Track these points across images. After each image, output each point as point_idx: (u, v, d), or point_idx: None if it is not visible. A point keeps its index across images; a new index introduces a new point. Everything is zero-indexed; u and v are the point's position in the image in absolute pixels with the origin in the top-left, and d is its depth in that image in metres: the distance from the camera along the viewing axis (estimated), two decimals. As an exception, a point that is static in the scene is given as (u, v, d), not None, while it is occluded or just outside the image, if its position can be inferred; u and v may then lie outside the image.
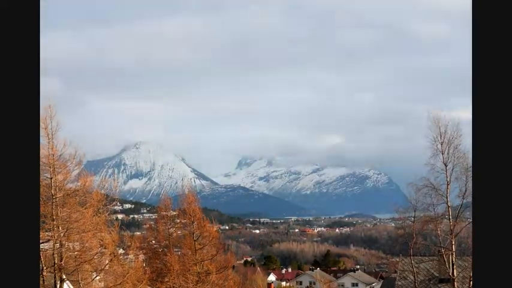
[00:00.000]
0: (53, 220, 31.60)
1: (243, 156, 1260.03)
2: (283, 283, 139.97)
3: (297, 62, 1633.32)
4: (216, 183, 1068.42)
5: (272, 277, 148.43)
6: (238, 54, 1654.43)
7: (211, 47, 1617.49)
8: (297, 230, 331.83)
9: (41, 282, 30.81)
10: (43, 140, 31.74)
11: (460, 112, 39.47)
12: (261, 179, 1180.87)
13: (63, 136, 32.77)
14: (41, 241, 30.41)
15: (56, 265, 32.00)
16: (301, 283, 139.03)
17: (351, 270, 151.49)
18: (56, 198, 32.15)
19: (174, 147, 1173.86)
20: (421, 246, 45.13)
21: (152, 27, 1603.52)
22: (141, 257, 57.81)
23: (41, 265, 30.65)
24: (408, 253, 45.40)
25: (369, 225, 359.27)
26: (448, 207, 39.10)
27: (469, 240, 37.36)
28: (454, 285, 39.46)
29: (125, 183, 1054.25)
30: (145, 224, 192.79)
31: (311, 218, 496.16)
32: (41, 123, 31.23)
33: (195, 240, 49.03)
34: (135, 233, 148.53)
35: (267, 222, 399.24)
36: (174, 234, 52.45)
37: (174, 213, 55.01)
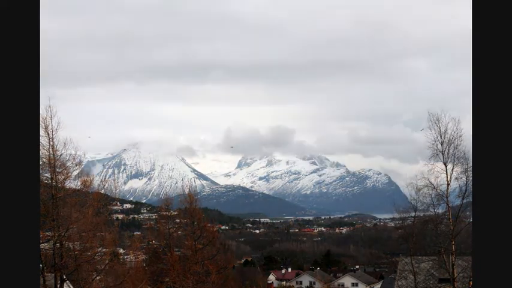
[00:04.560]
0: (53, 220, 31.58)
1: (243, 156, 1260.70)
2: (283, 283, 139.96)
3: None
4: (216, 183, 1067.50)
5: (272, 277, 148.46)
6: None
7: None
8: (297, 230, 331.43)
9: (41, 282, 30.81)
10: (43, 140, 31.79)
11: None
12: (261, 179, 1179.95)
13: (63, 136, 32.86)
14: (41, 241, 30.40)
15: (56, 265, 31.99)
16: (301, 283, 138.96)
17: (351, 270, 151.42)
18: (56, 198, 32.15)
19: (174, 147, 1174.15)
20: (421, 246, 45.13)
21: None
22: (142, 257, 57.85)
23: (41, 265, 30.65)
24: (408, 253, 45.40)
25: (369, 225, 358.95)
26: (448, 207, 39.08)
27: (469, 240, 37.35)
28: (454, 285, 39.45)
29: (125, 183, 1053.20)
30: (145, 224, 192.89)
31: (311, 218, 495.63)
32: (41, 123, 31.28)
33: (195, 240, 49.08)
34: (135, 233, 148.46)
35: (267, 222, 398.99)
36: (174, 234, 52.51)
37: (175, 213, 55.09)
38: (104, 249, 36.21)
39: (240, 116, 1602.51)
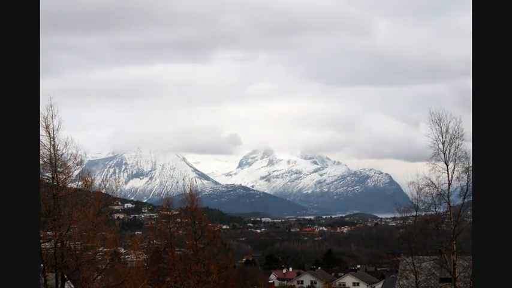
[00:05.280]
0: (54, 220, 31.58)
1: (244, 156, 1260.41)
2: (285, 282, 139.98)
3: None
4: (217, 183, 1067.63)
5: (273, 277, 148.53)
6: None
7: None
8: (298, 230, 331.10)
9: (42, 281, 30.83)
10: (44, 140, 31.80)
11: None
12: (262, 178, 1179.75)
13: (64, 135, 32.87)
14: (42, 240, 30.41)
15: (57, 264, 31.99)
16: (302, 282, 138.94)
17: (352, 270, 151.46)
18: (57, 197, 32.16)
19: (175, 147, 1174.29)
20: (422, 245, 45.09)
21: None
22: (143, 256, 57.86)
23: (42, 265, 30.67)
24: (409, 252, 45.37)
25: (370, 225, 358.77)
26: (450, 206, 39.09)
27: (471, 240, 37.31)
28: (455, 284, 39.45)
29: (126, 182, 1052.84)
30: (146, 224, 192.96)
31: (312, 218, 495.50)
32: (42, 123, 31.30)
33: (196, 240, 49.07)
34: (136, 232, 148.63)
35: (268, 222, 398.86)
36: (175, 233, 52.51)
37: (176, 212, 55.12)
38: (105, 249, 36.21)
39: (240, 114, 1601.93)
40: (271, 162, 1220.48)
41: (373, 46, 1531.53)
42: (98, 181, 39.03)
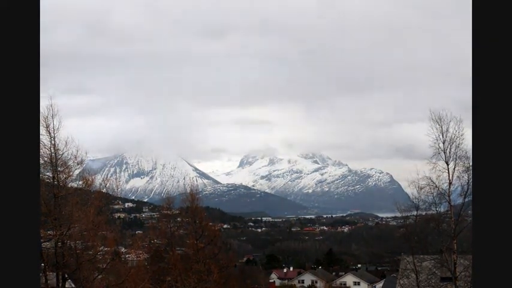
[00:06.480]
0: (55, 219, 31.60)
1: (245, 155, 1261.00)
2: (285, 282, 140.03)
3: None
4: (217, 182, 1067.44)
5: (274, 276, 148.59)
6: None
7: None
8: (298, 229, 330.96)
9: (43, 281, 30.87)
10: (45, 139, 31.82)
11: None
12: (262, 177, 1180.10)
13: (65, 135, 32.90)
14: (43, 240, 30.44)
15: (58, 264, 32.02)
16: (303, 282, 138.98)
17: (352, 269, 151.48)
18: (58, 197, 32.18)
19: (176, 146, 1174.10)
20: (423, 245, 45.10)
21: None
22: (143, 255, 57.87)
23: (43, 264, 30.70)
24: (410, 252, 45.38)
25: (370, 224, 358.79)
26: (450, 206, 39.11)
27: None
28: (455, 283, 39.45)
29: (126, 182, 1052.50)
30: (147, 223, 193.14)
31: (313, 217, 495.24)
32: (42, 122, 31.33)
33: (197, 239, 49.11)
34: (136, 232, 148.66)
35: (268, 221, 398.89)
36: (176, 233, 52.56)
37: (176, 212, 55.17)
38: (106, 248, 36.22)
39: (240, 114, 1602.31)
40: (271, 162, 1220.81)
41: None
42: (98, 180, 39.11)
